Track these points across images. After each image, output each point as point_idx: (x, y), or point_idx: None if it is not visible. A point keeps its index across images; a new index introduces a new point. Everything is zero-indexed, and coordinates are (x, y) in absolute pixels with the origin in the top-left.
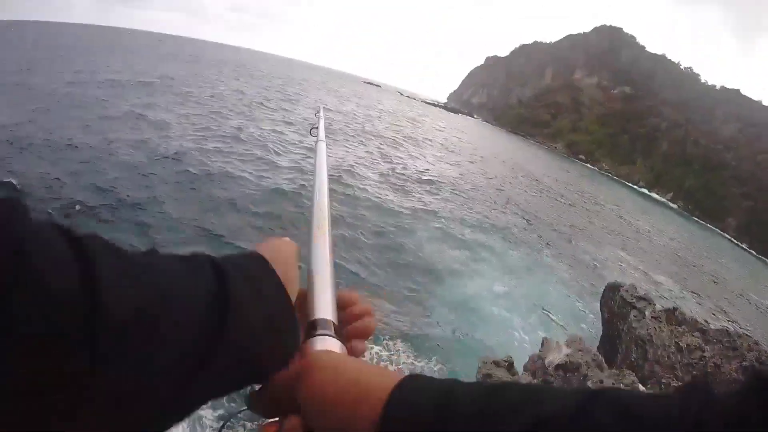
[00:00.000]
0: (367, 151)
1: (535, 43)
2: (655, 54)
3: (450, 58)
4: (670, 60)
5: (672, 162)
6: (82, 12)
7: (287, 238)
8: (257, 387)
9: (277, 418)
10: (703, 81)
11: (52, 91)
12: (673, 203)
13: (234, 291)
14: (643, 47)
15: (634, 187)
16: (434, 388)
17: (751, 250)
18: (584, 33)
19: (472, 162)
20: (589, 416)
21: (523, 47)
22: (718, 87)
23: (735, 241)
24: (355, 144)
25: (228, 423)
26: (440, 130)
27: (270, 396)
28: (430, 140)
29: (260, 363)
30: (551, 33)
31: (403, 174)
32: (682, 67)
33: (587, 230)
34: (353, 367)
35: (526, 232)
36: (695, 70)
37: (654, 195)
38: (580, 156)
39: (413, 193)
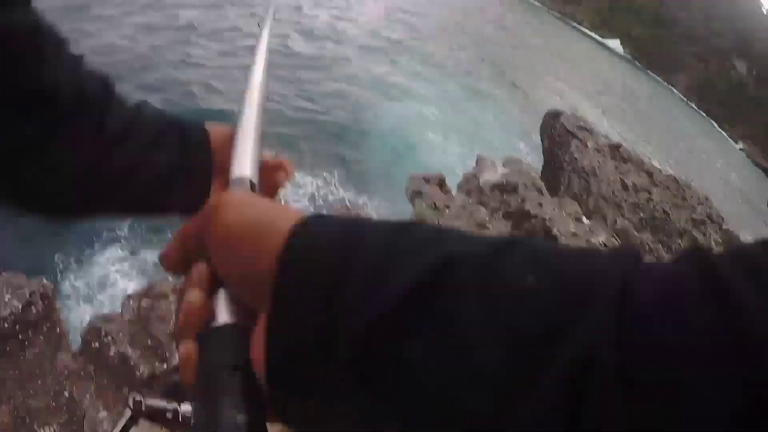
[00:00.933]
0: None
1: None
2: None
3: None
4: None
5: (620, 8)
6: None
7: None
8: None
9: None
10: None
11: None
12: (622, 51)
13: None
14: None
15: (580, 27)
16: (338, 224)
17: (699, 110)
18: None
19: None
20: (505, 260)
21: None
22: None
23: (684, 98)
24: None
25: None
26: None
27: (181, 247)
28: None
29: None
30: None
31: None
32: None
33: (528, 64)
34: (261, 204)
35: (466, 63)
36: None
37: (601, 39)
38: None
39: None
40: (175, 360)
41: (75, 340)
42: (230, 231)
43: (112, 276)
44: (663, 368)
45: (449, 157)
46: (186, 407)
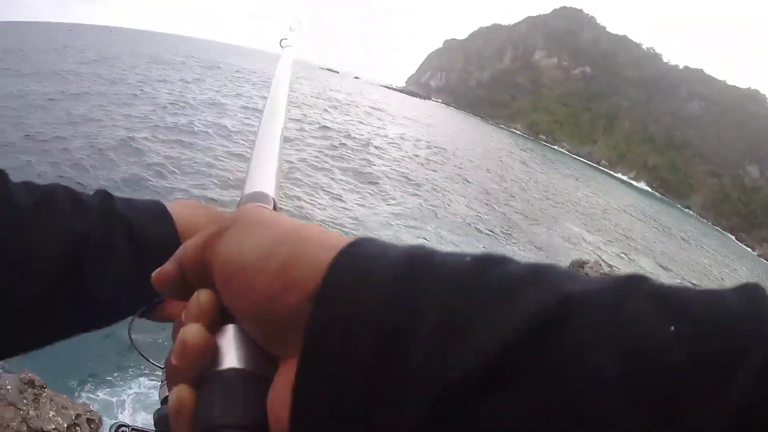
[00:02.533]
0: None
1: (494, 25)
2: (617, 35)
3: (408, 43)
4: (631, 40)
5: (634, 140)
6: (39, 10)
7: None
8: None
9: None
10: (665, 61)
11: None
12: (637, 182)
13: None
14: (603, 27)
15: (597, 166)
16: (396, 251)
17: (716, 226)
18: (543, 14)
19: (429, 148)
20: (633, 303)
21: (481, 30)
22: (681, 67)
23: (700, 217)
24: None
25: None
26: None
27: (179, 267)
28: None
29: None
30: (510, 15)
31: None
32: (644, 47)
33: (548, 211)
34: (288, 224)
35: (487, 217)
36: (657, 50)
37: (618, 174)
38: (541, 136)
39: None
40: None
41: None
42: (246, 256)
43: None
44: None
45: None
46: None
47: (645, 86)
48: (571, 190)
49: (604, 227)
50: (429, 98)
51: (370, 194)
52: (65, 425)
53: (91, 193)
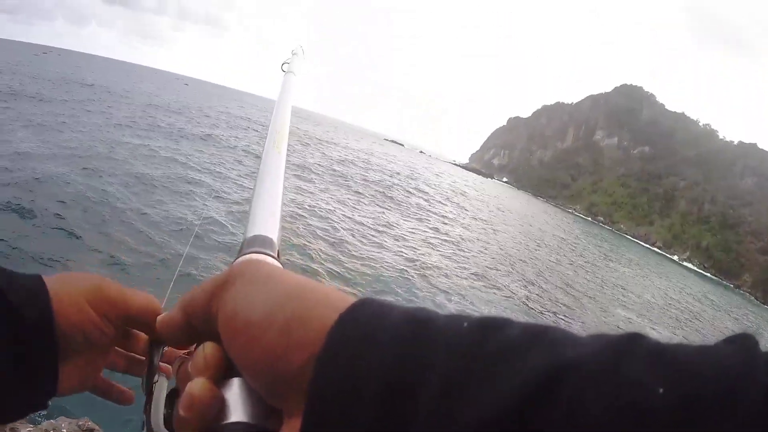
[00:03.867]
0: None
1: (557, 103)
2: (675, 112)
3: (472, 119)
4: (689, 118)
5: (689, 221)
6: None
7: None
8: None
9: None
10: (721, 137)
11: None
12: (690, 263)
13: None
14: (662, 105)
15: (652, 248)
16: (399, 315)
17: (765, 305)
18: (605, 93)
19: (494, 231)
20: (629, 365)
21: (545, 108)
22: (735, 142)
23: (751, 296)
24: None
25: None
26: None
27: (184, 316)
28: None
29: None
30: (573, 93)
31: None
32: (701, 124)
33: (603, 295)
34: (292, 280)
35: (543, 300)
36: (713, 127)
37: (670, 256)
38: (599, 218)
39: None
40: None
41: None
42: (253, 313)
43: None
44: None
45: None
46: None
47: (701, 165)
48: (628, 276)
49: (657, 312)
50: (492, 176)
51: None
52: None
53: None
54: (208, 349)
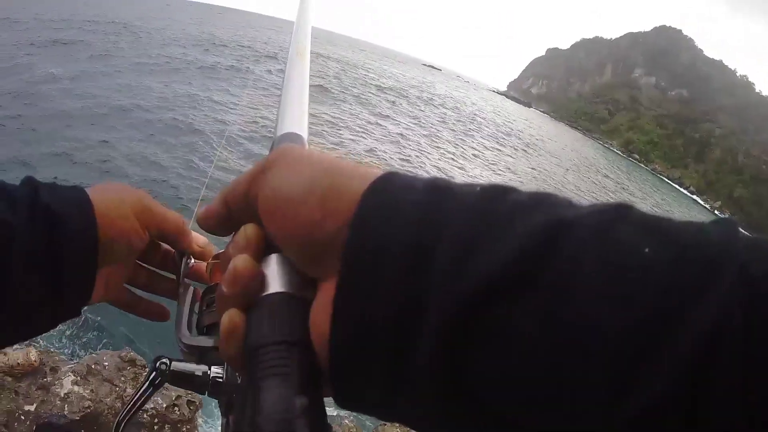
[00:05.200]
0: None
1: (596, 38)
2: (713, 59)
3: (511, 47)
4: (727, 66)
5: (723, 170)
6: None
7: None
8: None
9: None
10: (757, 91)
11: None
12: (721, 212)
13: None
14: (701, 50)
15: (685, 191)
16: (421, 183)
17: None
18: (644, 32)
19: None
20: (621, 227)
21: (583, 41)
22: None
23: None
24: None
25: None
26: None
27: (225, 205)
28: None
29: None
30: (612, 29)
31: None
32: (738, 74)
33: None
34: (325, 159)
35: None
36: (750, 80)
37: (702, 203)
38: (635, 155)
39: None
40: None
41: None
42: (289, 190)
43: None
44: None
45: None
46: (217, 370)
47: (738, 115)
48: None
49: None
50: (530, 106)
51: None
52: (164, 405)
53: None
54: (249, 229)
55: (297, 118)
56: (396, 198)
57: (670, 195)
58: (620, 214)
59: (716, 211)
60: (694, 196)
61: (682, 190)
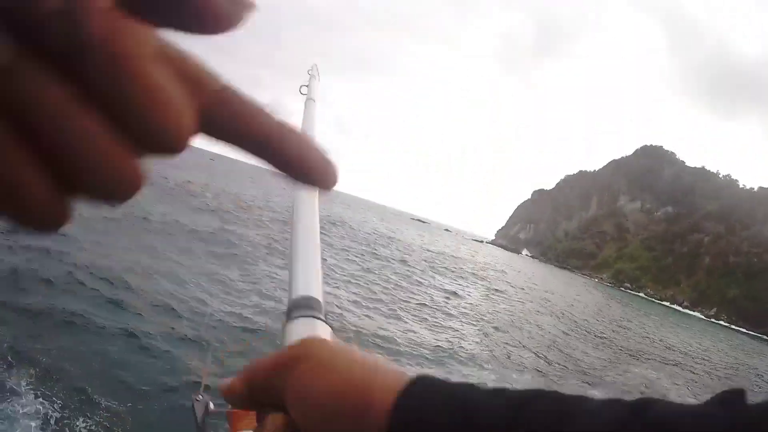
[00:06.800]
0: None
1: (580, 172)
2: (695, 167)
3: (496, 194)
4: (709, 171)
5: (715, 275)
6: None
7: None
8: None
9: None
10: (741, 186)
11: None
12: (717, 319)
13: None
14: (683, 162)
15: (678, 308)
16: (450, 394)
17: None
18: (626, 156)
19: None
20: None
21: (567, 178)
22: (755, 188)
23: None
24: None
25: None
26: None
27: (248, 387)
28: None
29: None
30: (596, 160)
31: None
32: (720, 175)
33: (632, 358)
34: (352, 361)
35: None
36: (734, 176)
37: (697, 314)
38: (626, 284)
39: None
40: None
41: None
42: (319, 394)
43: None
44: None
45: None
46: None
47: (724, 217)
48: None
49: (686, 371)
50: (519, 252)
51: None
52: None
53: None
54: (278, 420)
55: (311, 279)
56: (429, 407)
57: (663, 316)
58: (633, 418)
59: (712, 319)
60: (688, 311)
61: (675, 307)
